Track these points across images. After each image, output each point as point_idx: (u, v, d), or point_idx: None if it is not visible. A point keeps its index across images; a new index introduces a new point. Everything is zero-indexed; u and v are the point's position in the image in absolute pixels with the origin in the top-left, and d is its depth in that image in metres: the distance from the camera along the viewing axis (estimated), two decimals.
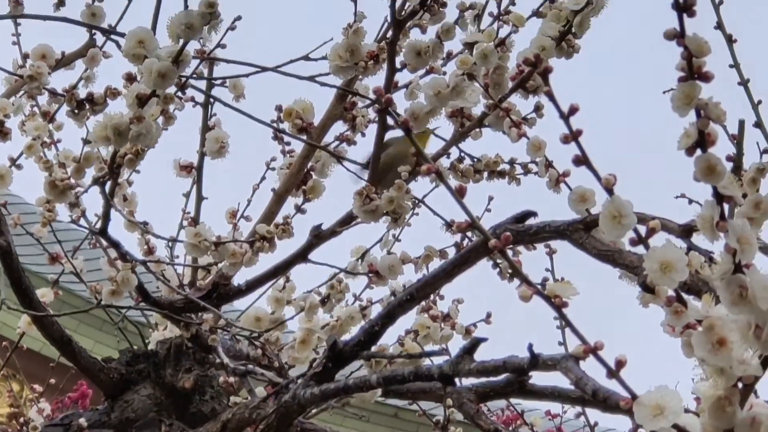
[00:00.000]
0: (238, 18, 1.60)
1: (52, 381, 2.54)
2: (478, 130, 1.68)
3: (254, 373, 1.64)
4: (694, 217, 1.15)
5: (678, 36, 0.70)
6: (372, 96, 1.70)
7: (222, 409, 1.63)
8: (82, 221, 1.72)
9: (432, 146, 1.74)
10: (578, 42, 1.51)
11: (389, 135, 1.62)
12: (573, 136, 0.74)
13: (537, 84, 1.51)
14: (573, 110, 0.75)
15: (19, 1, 1.77)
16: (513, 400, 2.19)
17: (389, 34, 1.55)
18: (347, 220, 1.70)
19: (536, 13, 1.55)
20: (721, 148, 0.71)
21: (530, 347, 1.00)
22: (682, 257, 0.70)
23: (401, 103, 1.58)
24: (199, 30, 1.31)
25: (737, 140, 1.49)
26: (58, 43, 1.72)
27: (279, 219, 1.73)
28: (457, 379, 1.18)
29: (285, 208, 1.77)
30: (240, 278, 1.73)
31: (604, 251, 1.23)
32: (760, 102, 1.64)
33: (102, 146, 1.56)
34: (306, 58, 1.73)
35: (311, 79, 1.64)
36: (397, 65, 1.56)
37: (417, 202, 1.65)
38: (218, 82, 1.83)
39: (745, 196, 0.78)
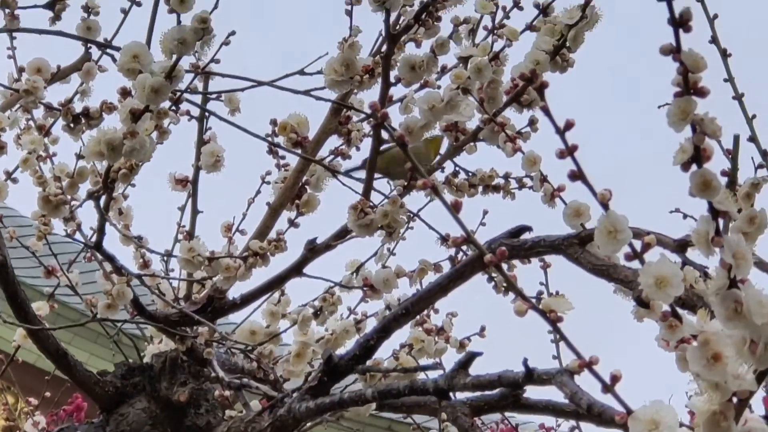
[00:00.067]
0: (233, 33, 1.61)
1: (48, 394, 2.53)
2: (472, 144, 1.68)
3: (249, 387, 1.64)
4: (689, 232, 1.16)
5: (674, 51, 0.70)
6: (367, 110, 1.70)
7: (217, 422, 1.63)
8: (77, 235, 1.72)
9: None
10: (572, 56, 1.51)
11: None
12: (569, 152, 0.74)
13: (531, 98, 1.51)
14: (569, 125, 0.75)
15: (14, 15, 1.77)
16: (507, 414, 2.19)
17: (384, 48, 1.55)
18: (342, 234, 1.70)
19: (530, 27, 1.56)
20: (716, 163, 0.71)
21: (525, 361, 1.00)
22: (677, 272, 0.70)
23: (396, 117, 1.59)
24: (192, 45, 1.31)
25: (732, 155, 1.49)
26: (54, 56, 1.72)
27: (273, 234, 1.73)
28: (451, 393, 1.18)
29: (280, 222, 1.78)
30: (235, 292, 1.73)
31: (599, 266, 1.23)
32: (754, 116, 1.64)
33: (96, 161, 1.56)
34: (301, 72, 1.74)
35: (306, 93, 1.64)
36: (392, 79, 1.56)
37: (412, 216, 1.65)
38: (213, 96, 1.83)
39: (740, 211, 0.79)
